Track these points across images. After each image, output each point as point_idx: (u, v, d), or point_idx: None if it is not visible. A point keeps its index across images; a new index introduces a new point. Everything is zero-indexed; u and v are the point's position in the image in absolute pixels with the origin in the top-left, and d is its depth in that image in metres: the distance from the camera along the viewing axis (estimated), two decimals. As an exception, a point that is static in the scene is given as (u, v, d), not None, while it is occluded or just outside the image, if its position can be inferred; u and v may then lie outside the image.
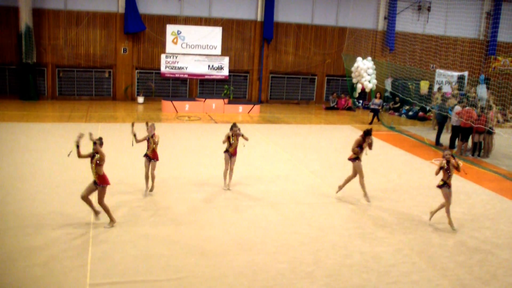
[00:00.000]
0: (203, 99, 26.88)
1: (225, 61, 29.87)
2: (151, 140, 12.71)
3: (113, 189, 13.03)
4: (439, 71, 29.56)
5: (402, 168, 17.07)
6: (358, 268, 9.37)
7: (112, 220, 10.72)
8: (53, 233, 10.23)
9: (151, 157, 12.79)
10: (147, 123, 12.87)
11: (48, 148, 16.80)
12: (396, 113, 29.21)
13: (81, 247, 9.64)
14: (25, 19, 26.16)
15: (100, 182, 10.57)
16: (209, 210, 12.09)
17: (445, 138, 21.14)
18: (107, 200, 10.76)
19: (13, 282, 8.27)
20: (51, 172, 14.38)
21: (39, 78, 27.79)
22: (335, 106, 30.45)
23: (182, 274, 8.77)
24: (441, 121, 21.54)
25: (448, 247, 10.57)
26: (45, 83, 28.00)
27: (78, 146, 10.28)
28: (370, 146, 13.06)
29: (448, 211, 11.45)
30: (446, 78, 28.98)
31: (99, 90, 29.15)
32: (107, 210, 10.67)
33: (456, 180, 15.75)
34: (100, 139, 10.66)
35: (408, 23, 31.05)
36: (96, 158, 10.50)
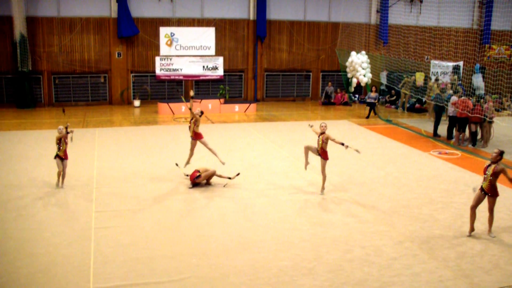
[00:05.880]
0: (199, 100, 26.86)
1: (220, 61, 29.84)
2: (63, 142, 13.32)
3: (114, 192, 13.11)
4: (434, 62, 29.59)
5: (400, 160, 17.09)
6: (360, 262, 9.39)
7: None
8: (54, 238, 10.26)
9: (63, 157, 13.42)
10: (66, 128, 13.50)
11: (46, 155, 16.74)
12: (393, 106, 29.23)
13: (82, 251, 9.66)
14: (19, 27, 26.15)
15: None
16: (208, 210, 12.13)
17: (443, 129, 21.14)
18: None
19: (16, 290, 8.29)
20: (50, 178, 14.37)
21: (35, 86, 27.79)
22: (332, 101, 30.43)
23: (184, 275, 8.79)
24: (438, 112, 21.54)
25: (449, 238, 10.59)
26: (41, 91, 28.00)
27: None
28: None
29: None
30: (440, 70, 29.03)
31: (95, 95, 29.13)
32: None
33: (455, 171, 15.83)
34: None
35: (400, 15, 31.03)
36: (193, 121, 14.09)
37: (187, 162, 14.71)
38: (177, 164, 14.87)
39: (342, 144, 12.78)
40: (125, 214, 11.71)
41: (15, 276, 8.71)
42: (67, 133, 13.43)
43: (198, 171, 13.74)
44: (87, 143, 18.74)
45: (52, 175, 14.47)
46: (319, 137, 13.10)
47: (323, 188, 13.38)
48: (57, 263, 9.19)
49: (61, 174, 13.56)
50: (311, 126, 13.73)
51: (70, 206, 12.21)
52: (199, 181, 13.73)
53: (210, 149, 14.52)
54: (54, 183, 13.80)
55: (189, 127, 14.48)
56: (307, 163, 13.66)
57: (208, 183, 14.00)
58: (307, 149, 13.46)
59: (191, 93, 15.02)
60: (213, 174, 13.91)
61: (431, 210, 12.26)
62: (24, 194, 13.05)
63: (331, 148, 13.29)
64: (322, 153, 13.12)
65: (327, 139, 12.96)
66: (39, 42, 27.46)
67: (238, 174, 14.10)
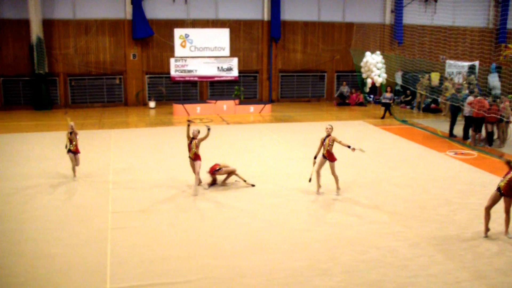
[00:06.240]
0: (214, 101, 26.95)
1: (234, 62, 29.93)
2: (73, 137, 14.52)
3: (129, 193, 13.19)
4: (449, 62, 29.38)
5: (416, 161, 17.00)
6: (375, 263, 9.37)
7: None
8: (71, 239, 10.36)
9: (75, 151, 14.58)
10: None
11: (63, 156, 16.81)
12: (408, 106, 29.08)
13: (99, 252, 9.74)
14: (36, 30, 26.44)
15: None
16: (223, 211, 12.15)
17: (459, 129, 20.98)
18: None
19: (34, 290, 8.38)
20: (67, 179, 14.52)
21: (51, 88, 28.03)
22: (347, 101, 30.33)
23: (199, 275, 8.83)
24: (454, 112, 21.39)
25: (466, 239, 10.52)
26: (57, 92, 28.23)
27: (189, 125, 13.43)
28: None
29: None
30: (456, 69, 28.81)
31: (111, 97, 29.32)
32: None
33: (471, 171, 15.73)
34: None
35: (415, 15, 30.75)
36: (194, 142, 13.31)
37: (199, 183, 13.96)
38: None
39: (349, 146, 12.76)
40: (140, 215, 11.79)
41: (33, 276, 8.80)
42: (71, 133, 14.46)
43: (219, 165, 13.82)
44: (103, 144, 18.88)
45: (69, 177, 14.64)
46: (325, 140, 13.07)
47: (338, 188, 13.34)
48: (74, 263, 9.28)
49: (74, 167, 14.66)
50: (310, 180, 13.52)
51: (87, 207, 12.31)
52: (218, 174, 13.85)
53: (197, 172, 13.49)
54: (71, 184, 13.98)
55: (190, 148, 13.46)
56: (319, 186, 13.49)
57: (224, 183, 14.03)
58: (318, 172, 13.35)
59: (188, 119, 14.27)
60: (233, 171, 13.98)
61: (447, 211, 12.19)
62: (41, 195, 13.20)
63: (344, 149, 13.22)
64: (329, 156, 13.09)
65: (333, 141, 12.96)
66: (55, 45, 27.70)
67: (253, 185, 14.05)
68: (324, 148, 13.10)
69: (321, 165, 13.29)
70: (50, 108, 27.63)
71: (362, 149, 13.05)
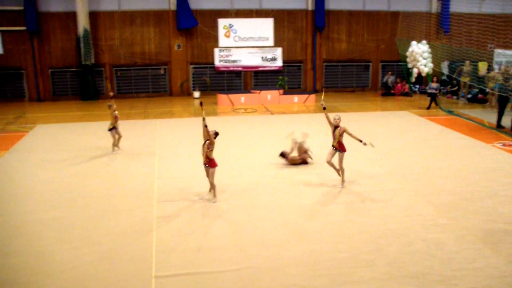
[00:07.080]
0: (258, 91, 27.00)
1: (278, 52, 29.89)
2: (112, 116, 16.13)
3: (175, 182, 13.36)
4: (497, 51, 28.63)
5: (462, 152, 16.68)
6: (420, 255, 9.26)
7: (215, 196, 12.08)
8: (118, 227, 10.57)
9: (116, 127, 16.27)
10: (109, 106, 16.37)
11: (110, 146, 17.17)
12: (454, 97, 28.51)
13: (144, 240, 9.91)
14: (82, 22, 27.03)
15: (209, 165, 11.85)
16: (267, 202, 12.16)
17: (507, 120, 20.48)
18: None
19: (80, 275, 8.60)
20: (113, 168, 14.82)
21: (97, 78, 28.61)
22: (392, 91, 29.94)
23: (243, 265, 8.90)
24: (502, 102, 20.88)
25: (513, 232, 10.32)
26: (103, 83, 28.76)
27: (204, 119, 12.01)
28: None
29: None
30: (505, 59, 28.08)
31: (156, 87, 29.72)
32: (213, 187, 12.07)
33: (519, 163, 15.35)
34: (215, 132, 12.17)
35: (463, 3, 30.08)
36: (207, 144, 11.84)
37: (214, 196, 12.20)
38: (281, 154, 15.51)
39: (360, 141, 12.48)
40: (185, 204, 11.91)
41: (80, 263, 9.03)
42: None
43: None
44: (148, 134, 19.15)
45: (115, 165, 14.94)
46: (335, 130, 12.85)
47: (343, 181, 13.21)
48: (120, 251, 9.48)
49: (116, 142, 16.50)
50: (324, 108, 13.36)
51: (132, 196, 12.52)
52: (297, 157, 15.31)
53: (211, 182, 12.05)
54: (117, 174, 14.29)
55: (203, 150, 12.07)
56: (337, 171, 13.38)
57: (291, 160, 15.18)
58: (329, 163, 13.20)
59: (203, 114, 12.27)
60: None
61: (495, 203, 11.93)
62: (88, 184, 13.51)
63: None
64: (339, 146, 12.89)
65: (343, 132, 12.71)
66: (101, 36, 28.23)
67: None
68: (334, 139, 12.90)
69: (332, 155, 13.10)
70: (97, 99, 28.23)
71: (372, 144, 12.73)
